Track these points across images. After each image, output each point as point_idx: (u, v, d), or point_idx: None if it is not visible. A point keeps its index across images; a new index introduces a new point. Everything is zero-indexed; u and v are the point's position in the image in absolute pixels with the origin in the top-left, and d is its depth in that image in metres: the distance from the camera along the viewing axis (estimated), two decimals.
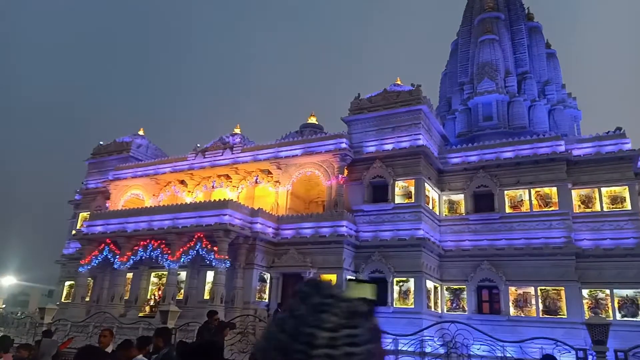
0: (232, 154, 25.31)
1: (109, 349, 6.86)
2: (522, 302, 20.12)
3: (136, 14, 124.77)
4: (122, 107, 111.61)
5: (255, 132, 28.35)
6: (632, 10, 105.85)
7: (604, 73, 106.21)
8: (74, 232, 28.04)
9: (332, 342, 0.81)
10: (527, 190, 21.46)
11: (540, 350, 13.34)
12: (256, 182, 24.87)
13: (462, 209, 22.54)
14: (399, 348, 13.83)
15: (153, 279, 23.48)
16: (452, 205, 23.03)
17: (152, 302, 22.32)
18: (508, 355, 13.04)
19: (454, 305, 21.45)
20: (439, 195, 23.09)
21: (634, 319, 18.46)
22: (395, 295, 20.20)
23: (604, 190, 20.70)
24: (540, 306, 19.72)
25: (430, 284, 20.71)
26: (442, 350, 13.87)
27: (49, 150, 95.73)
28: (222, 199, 21.14)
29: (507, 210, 21.59)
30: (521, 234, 20.84)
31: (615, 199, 20.48)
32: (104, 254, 22.23)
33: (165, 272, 21.41)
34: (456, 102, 29.05)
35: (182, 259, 20.23)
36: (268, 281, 21.21)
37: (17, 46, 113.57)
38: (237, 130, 27.30)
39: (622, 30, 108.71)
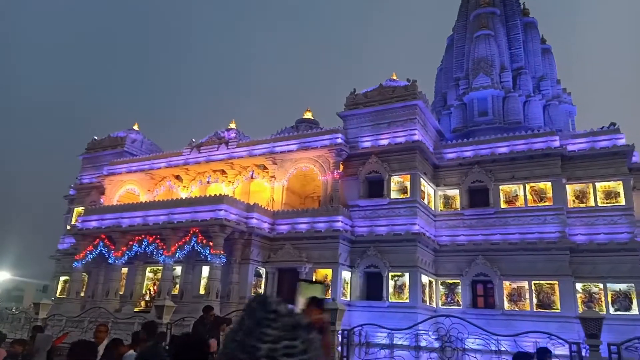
0: (228, 149, 25.24)
1: (104, 344, 6.85)
2: (516, 297, 20.24)
3: (136, 14, 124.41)
4: (122, 107, 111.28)
5: (255, 131, 28.26)
6: (628, 6, 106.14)
7: (598, 68, 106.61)
8: (68, 227, 27.92)
9: (271, 352, 0.93)
10: (521, 185, 21.54)
11: (535, 344, 13.43)
12: (252, 177, 24.83)
13: (457, 204, 22.61)
14: (394, 342, 13.89)
15: (148, 274, 23.44)
16: (447, 200, 23.08)
17: (147, 297, 22.28)
18: (502, 349, 13.12)
19: (449, 299, 21.55)
20: (434, 190, 23.14)
21: (627, 313, 18.61)
22: (391, 289, 20.27)
23: (598, 185, 20.80)
24: (535, 300, 19.85)
25: (425, 279, 20.79)
26: (436, 344, 13.94)
27: (49, 150, 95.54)
28: (217, 194, 21.09)
29: (502, 205, 21.68)
30: (516, 229, 20.93)
31: (610, 194, 20.58)
32: (99, 249, 22.16)
33: (160, 267, 21.38)
34: (451, 97, 29.07)
35: (178, 254, 20.20)
36: (264, 276, 21.22)
37: (17, 46, 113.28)
38: (233, 126, 27.20)
39: (617, 26, 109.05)
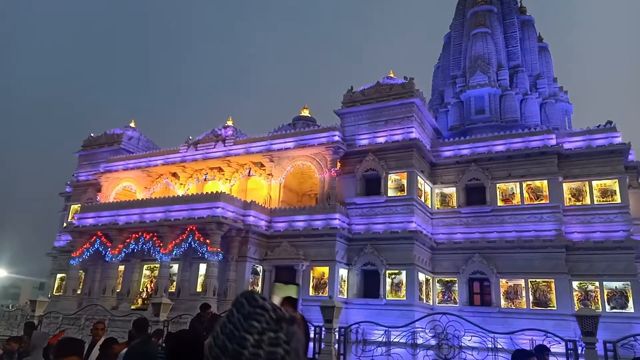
0: (225, 146, 25.19)
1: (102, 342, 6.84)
2: (512, 294, 20.30)
3: (136, 14, 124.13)
4: (122, 106, 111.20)
5: (254, 129, 28.21)
6: (625, 4, 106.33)
7: (595, 67, 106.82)
8: (65, 224, 27.84)
9: (258, 343, 1.05)
10: (518, 184, 21.58)
11: (531, 342, 13.48)
12: (249, 175, 24.81)
13: (454, 202, 22.64)
14: (391, 340, 13.91)
15: (145, 272, 23.39)
16: (444, 198, 23.11)
17: (144, 295, 22.25)
18: (499, 346, 13.16)
19: (446, 297, 21.60)
20: (431, 188, 23.16)
21: (623, 311, 18.69)
22: (388, 287, 20.29)
23: (594, 183, 20.86)
24: (531, 298, 19.91)
25: (422, 277, 20.83)
26: (433, 342, 13.97)
27: (49, 150, 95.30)
28: (214, 192, 21.06)
29: (499, 203, 21.72)
30: (512, 227, 20.98)
31: (606, 192, 20.64)
32: (96, 246, 22.11)
33: (157, 265, 21.34)
34: (449, 95, 29.08)
35: (175, 251, 20.17)
36: (261, 274, 21.22)
37: (17, 46, 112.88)
38: (230, 123, 27.13)
39: (614, 25, 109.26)
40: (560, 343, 11.26)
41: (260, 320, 1.08)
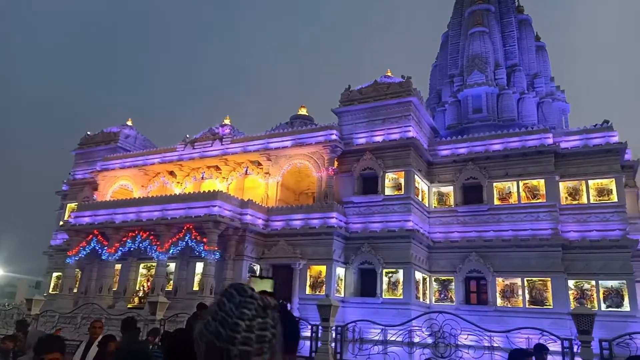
0: (222, 145, 25.15)
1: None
2: (509, 293, 20.35)
3: (136, 14, 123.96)
4: (121, 106, 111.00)
5: (252, 128, 28.21)
6: (622, 4, 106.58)
7: (592, 66, 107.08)
8: (61, 223, 27.76)
9: (249, 328, 1.19)
10: (515, 182, 21.62)
11: (527, 340, 13.52)
12: (246, 174, 24.77)
13: (451, 201, 22.66)
14: (388, 338, 13.93)
15: (142, 270, 23.36)
16: (441, 197, 23.14)
17: (140, 294, 22.21)
18: (495, 344, 13.20)
19: (442, 296, 21.63)
20: (428, 187, 23.18)
21: (619, 310, 18.75)
22: (385, 286, 20.31)
23: (591, 182, 20.91)
24: (527, 297, 19.96)
25: (419, 275, 20.85)
26: (430, 340, 14.00)
27: (48, 149, 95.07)
28: (211, 190, 21.03)
29: (496, 202, 21.75)
30: (509, 226, 21.01)
31: (602, 191, 20.70)
32: (92, 245, 22.05)
33: (154, 264, 21.30)
34: (446, 94, 29.10)
35: (171, 250, 20.13)
36: (258, 272, 21.20)
37: (17, 46, 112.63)
38: (227, 121, 27.08)
39: (611, 25, 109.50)
40: (556, 341, 11.30)
41: (250, 308, 1.21)
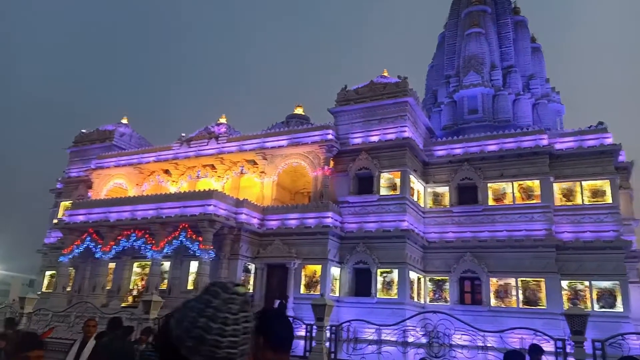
0: (218, 143, 25.10)
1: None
2: (503, 293, 20.42)
3: (136, 14, 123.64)
4: (121, 106, 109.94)
5: (250, 127, 28.11)
6: (619, 6, 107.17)
7: (587, 68, 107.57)
8: (55, 221, 27.61)
9: (235, 321, 1.33)
10: (510, 183, 21.70)
11: (521, 340, 13.58)
12: (242, 173, 24.73)
13: (447, 201, 22.72)
14: (382, 338, 13.95)
15: (136, 269, 23.27)
16: (436, 197, 23.19)
17: (134, 292, 22.14)
18: (489, 344, 13.24)
19: (437, 296, 21.68)
20: (423, 187, 23.23)
21: (612, 310, 18.86)
22: (379, 286, 20.34)
23: (585, 183, 21.01)
24: (521, 297, 20.03)
25: (413, 275, 20.89)
26: (424, 340, 14.03)
27: (49, 149, 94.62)
28: (207, 189, 20.99)
29: (491, 202, 21.82)
30: (503, 226, 21.09)
31: (596, 193, 20.80)
32: (86, 243, 21.96)
33: (148, 262, 21.24)
34: (442, 94, 29.16)
35: (166, 249, 20.07)
36: (253, 272, 21.18)
37: (17, 46, 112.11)
38: (223, 120, 27.03)
39: (607, 27, 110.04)
40: (549, 342, 11.35)
41: (236, 304, 1.35)
